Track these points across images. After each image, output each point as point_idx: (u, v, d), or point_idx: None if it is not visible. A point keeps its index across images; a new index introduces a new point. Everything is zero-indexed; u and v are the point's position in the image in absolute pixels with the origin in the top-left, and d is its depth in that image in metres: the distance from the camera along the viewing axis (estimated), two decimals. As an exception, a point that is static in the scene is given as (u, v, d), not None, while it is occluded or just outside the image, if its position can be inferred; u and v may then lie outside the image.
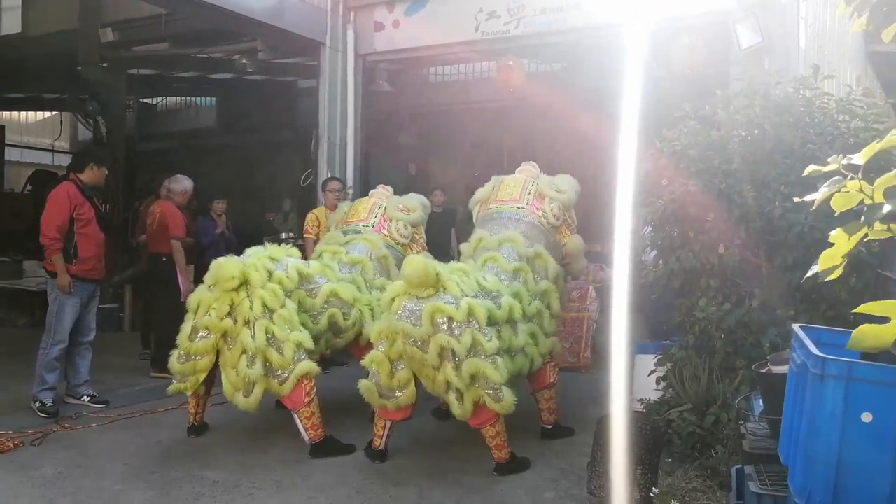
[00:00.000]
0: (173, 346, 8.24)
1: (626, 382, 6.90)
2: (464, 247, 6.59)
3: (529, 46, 10.12)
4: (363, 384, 5.61)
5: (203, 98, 17.71)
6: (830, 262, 2.08)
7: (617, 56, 6.14)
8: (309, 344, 5.85)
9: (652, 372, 6.19)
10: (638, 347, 6.97)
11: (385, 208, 7.14)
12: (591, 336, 9.17)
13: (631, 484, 4.73)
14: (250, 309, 5.65)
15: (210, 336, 5.78)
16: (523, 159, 7.00)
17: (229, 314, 5.71)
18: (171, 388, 6.09)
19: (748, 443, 3.60)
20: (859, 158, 2.03)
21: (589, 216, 6.90)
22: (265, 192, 16.21)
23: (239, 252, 6.24)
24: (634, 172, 5.88)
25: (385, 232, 7.04)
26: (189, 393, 6.08)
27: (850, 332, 3.15)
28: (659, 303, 7.38)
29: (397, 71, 12.69)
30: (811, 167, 2.22)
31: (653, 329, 7.83)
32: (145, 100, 17.81)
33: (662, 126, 6.12)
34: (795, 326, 2.94)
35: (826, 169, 2.07)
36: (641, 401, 6.27)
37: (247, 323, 5.66)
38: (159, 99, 18.20)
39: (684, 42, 8.66)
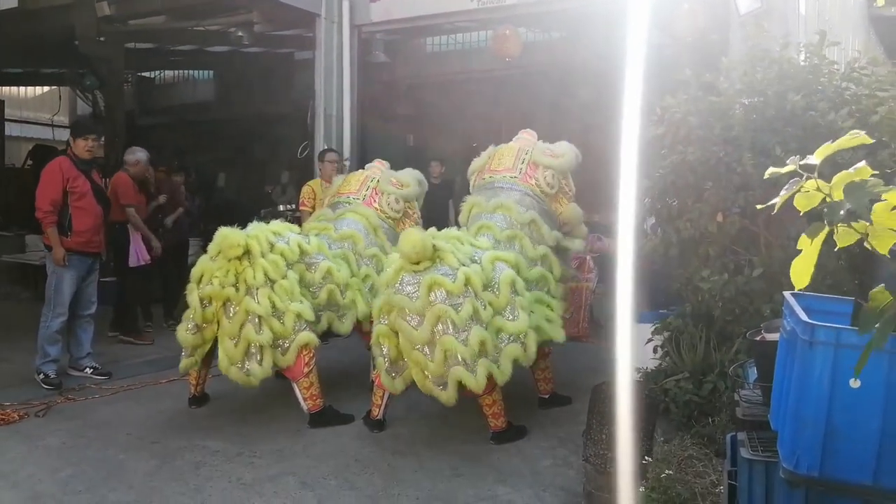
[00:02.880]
0: (130, 310, 8.68)
1: (624, 351, 6.95)
2: (460, 218, 6.61)
3: (528, 15, 10.06)
4: (377, 361, 5.67)
5: (201, 71, 17.66)
6: (801, 271, 2.02)
7: (617, 23, 6.10)
8: (309, 315, 5.90)
9: (649, 341, 6.20)
10: (636, 316, 7.00)
11: (377, 182, 7.15)
12: (589, 306, 9.19)
13: (625, 451, 4.78)
14: (253, 278, 5.70)
15: (213, 305, 5.84)
16: (521, 128, 6.98)
17: (233, 284, 5.75)
18: (182, 365, 6.15)
19: (741, 410, 3.63)
20: (815, 158, 1.99)
21: (587, 186, 6.87)
22: (264, 164, 16.20)
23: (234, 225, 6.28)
24: (635, 142, 5.87)
25: (376, 205, 7.04)
26: (198, 367, 6.16)
27: (841, 299, 3.20)
28: (659, 272, 7.40)
29: (394, 42, 12.64)
30: (770, 169, 2.16)
31: (652, 299, 7.84)
32: (144, 74, 17.77)
33: (664, 93, 6.09)
34: (787, 293, 2.96)
35: (784, 170, 2.03)
36: (639, 369, 6.30)
37: (249, 291, 5.71)
38: (157, 73, 18.14)
39: (685, 8, 8.61)
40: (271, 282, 5.79)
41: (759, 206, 2.41)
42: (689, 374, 5.58)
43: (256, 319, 5.69)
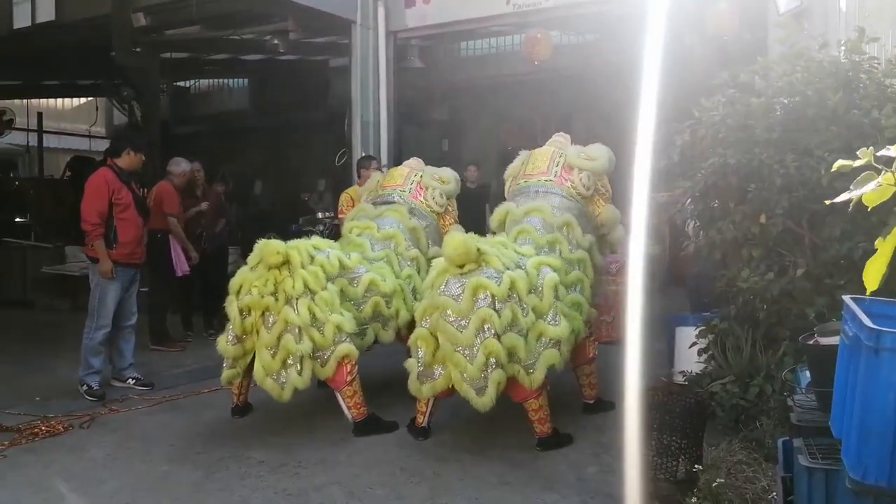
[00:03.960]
0: (159, 319, 8.78)
1: (668, 355, 6.89)
2: (491, 220, 6.58)
3: (562, 17, 10.04)
4: (409, 362, 5.61)
5: (235, 80, 17.78)
6: (874, 273, 1.94)
7: (651, 24, 6.04)
8: (349, 327, 5.86)
9: (693, 344, 6.14)
10: (678, 320, 6.94)
11: (421, 176, 7.16)
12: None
13: (676, 457, 4.72)
14: (293, 287, 5.69)
15: (252, 315, 5.82)
16: (557, 132, 6.93)
17: (272, 293, 5.73)
18: (225, 376, 6.12)
19: (796, 415, 3.56)
20: (895, 150, 1.90)
21: (624, 188, 6.80)
22: (299, 172, 16.27)
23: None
24: (671, 143, 5.81)
25: (421, 199, 7.05)
26: (239, 379, 6.14)
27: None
28: (700, 275, 7.33)
29: (428, 47, 12.66)
30: (839, 162, 2.05)
31: (693, 302, 7.77)
32: (179, 83, 17.91)
33: (696, 94, 6.03)
34: (846, 298, 2.89)
35: (857, 164, 1.93)
36: (683, 373, 6.24)
37: (288, 301, 5.69)
38: (192, 82, 18.29)
39: (720, 7, 8.55)
40: (311, 293, 5.77)
41: (827, 202, 2.27)
42: (735, 377, 5.50)
43: (296, 329, 5.67)
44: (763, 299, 5.47)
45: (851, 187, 1.89)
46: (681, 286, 8.70)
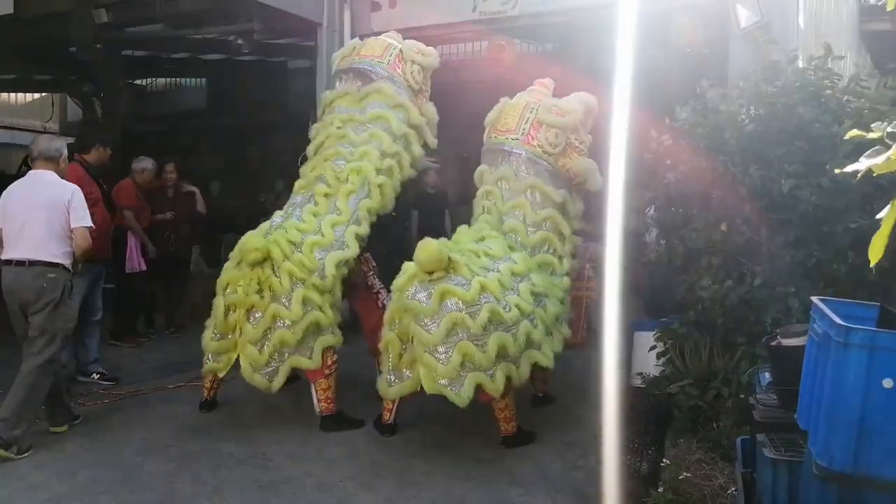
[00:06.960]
0: (129, 315, 8.76)
1: (625, 358, 7.06)
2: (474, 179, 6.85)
3: (526, 27, 10.18)
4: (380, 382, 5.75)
5: (192, 79, 17.65)
6: (878, 246, 2.10)
7: (612, 35, 6.18)
8: (325, 322, 5.95)
9: (652, 347, 6.30)
10: (636, 325, 7.11)
11: (401, 49, 7.10)
12: (588, 315, 9.24)
13: (639, 454, 4.89)
14: (280, 285, 5.73)
15: (237, 312, 5.84)
16: (537, 80, 7.02)
17: (257, 291, 5.76)
18: (206, 369, 6.17)
19: (759, 413, 3.73)
20: None
21: (583, 196, 6.94)
22: (257, 173, 16.20)
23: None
24: (633, 153, 5.98)
25: (399, 71, 6.96)
26: (222, 374, 6.15)
27: (866, 304, 3.33)
28: (657, 284, 7.52)
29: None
30: (853, 131, 2.23)
31: (650, 310, 7.95)
32: (135, 81, 17.74)
33: (659, 105, 6.21)
34: (815, 299, 3.08)
35: (870, 136, 2.11)
36: (641, 375, 6.41)
37: (276, 298, 5.73)
38: (149, 80, 18.12)
39: (682, 21, 8.74)
40: (300, 281, 5.82)
41: (837, 171, 2.49)
42: (694, 380, 5.68)
43: (288, 321, 5.72)
44: (721, 306, 5.65)
45: (862, 159, 2.06)
46: (635, 294, 8.87)
